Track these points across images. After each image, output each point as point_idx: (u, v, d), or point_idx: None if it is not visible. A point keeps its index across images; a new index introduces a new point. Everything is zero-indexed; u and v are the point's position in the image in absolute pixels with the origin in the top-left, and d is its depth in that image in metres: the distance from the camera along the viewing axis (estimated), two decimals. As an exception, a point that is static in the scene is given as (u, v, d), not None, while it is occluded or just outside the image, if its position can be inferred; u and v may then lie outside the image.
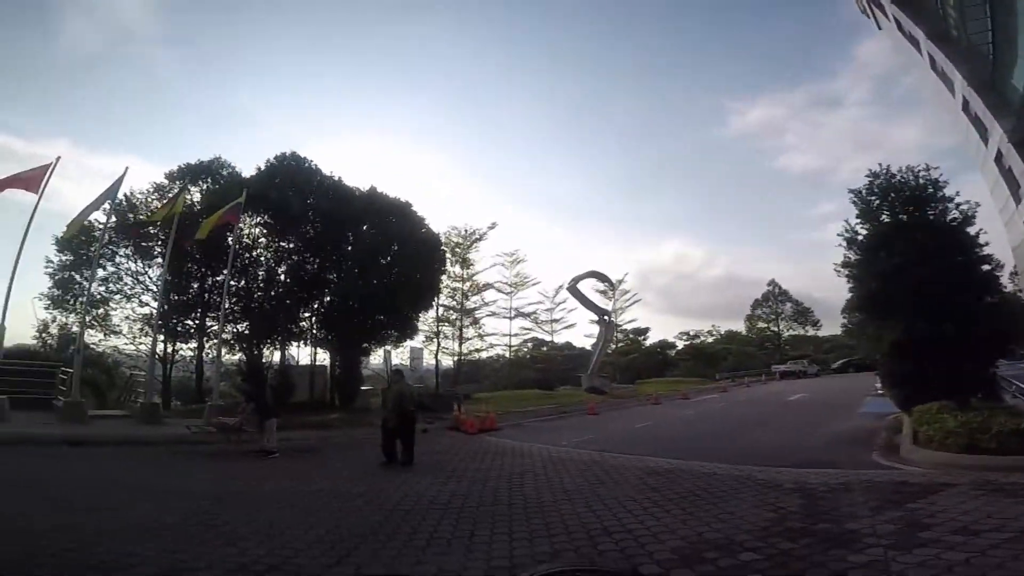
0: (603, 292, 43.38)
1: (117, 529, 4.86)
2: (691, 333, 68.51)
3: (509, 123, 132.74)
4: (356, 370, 20.17)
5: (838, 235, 12.05)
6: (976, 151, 31.59)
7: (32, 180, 12.35)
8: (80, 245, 18.18)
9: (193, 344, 21.27)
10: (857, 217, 11.61)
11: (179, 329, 19.70)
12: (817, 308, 66.36)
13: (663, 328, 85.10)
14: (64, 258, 18.47)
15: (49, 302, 18.68)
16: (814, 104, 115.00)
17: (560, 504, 6.09)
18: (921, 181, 10.88)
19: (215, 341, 20.92)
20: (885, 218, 11.21)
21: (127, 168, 14.48)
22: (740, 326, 69.82)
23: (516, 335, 39.76)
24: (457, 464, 9.46)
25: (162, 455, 9.68)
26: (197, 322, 20.61)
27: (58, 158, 13.01)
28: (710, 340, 67.45)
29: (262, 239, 20.31)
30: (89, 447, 9.93)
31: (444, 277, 24.46)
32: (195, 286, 19.84)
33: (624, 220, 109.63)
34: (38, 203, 12.49)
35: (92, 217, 19.30)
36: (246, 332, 19.51)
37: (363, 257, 18.38)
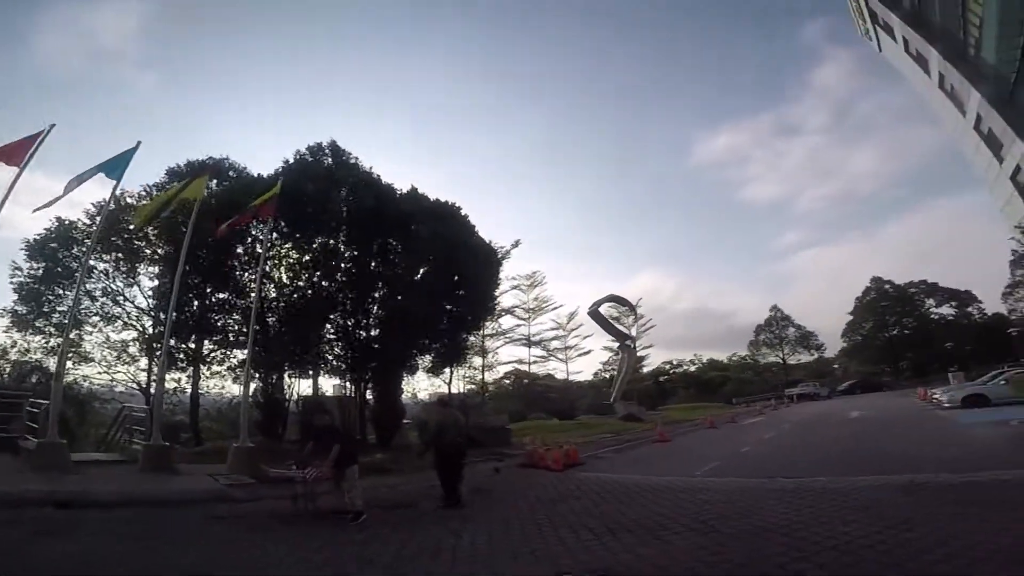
0: (616, 319, 41.47)
1: None
2: (674, 362, 69.95)
3: (482, 154, 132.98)
4: (396, 401, 16.94)
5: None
6: (987, 167, 31.61)
7: (14, 151, 9.29)
8: (56, 251, 14.90)
9: (177, 374, 17.86)
10: None
11: (175, 355, 16.31)
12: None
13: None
14: (35, 266, 15.08)
15: (11, 322, 15.13)
16: (776, 132, 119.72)
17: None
18: None
19: (220, 369, 17.74)
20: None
21: (139, 142, 11.29)
22: (719, 355, 71.86)
23: (534, 362, 37.27)
24: (619, 514, 6.78)
25: (209, 525, 6.48)
26: (193, 346, 17.34)
27: (52, 126, 9.93)
28: (692, 369, 69.13)
29: (281, 249, 17.26)
30: (93, 511, 6.77)
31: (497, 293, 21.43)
32: (195, 304, 16.61)
33: (598, 253, 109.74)
34: (18, 177, 9.32)
35: (73, 216, 16.37)
36: (261, 356, 16.29)
37: (411, 268, 15.56)
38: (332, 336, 17.47)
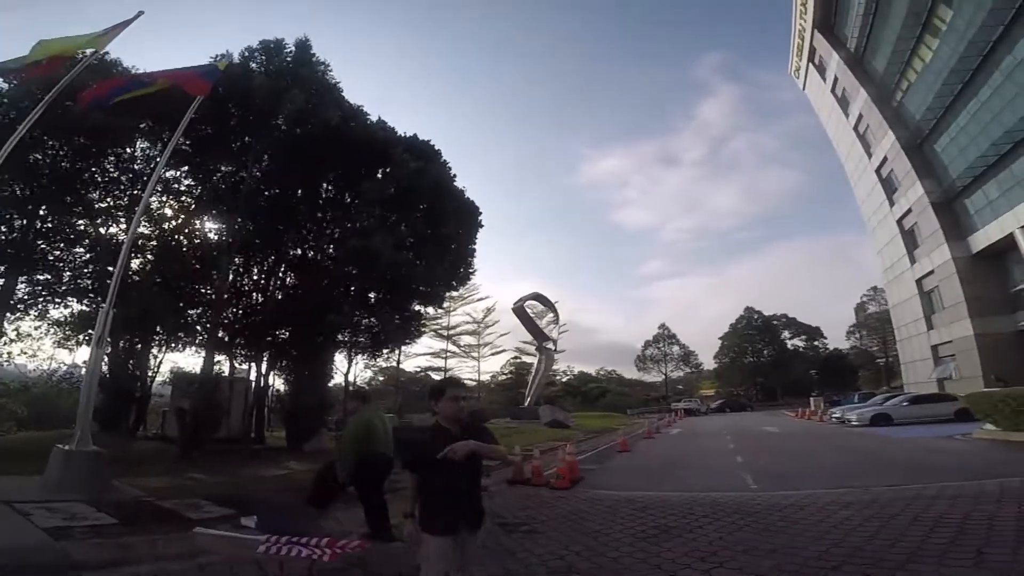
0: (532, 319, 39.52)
1: None
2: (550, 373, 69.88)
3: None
4: (322, 390, 12.51)
5: None
6: (876, 211, 35.24)
7: None
8: None
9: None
10: None
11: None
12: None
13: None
14: None
15: None
16: (656, 160, 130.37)
17: None
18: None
19: (37, 325, 11.94)
20: None
21: None
22: (586, 368, 74.93)
23: (449, 355, 33.77)
24: (798, 551, 4.16)
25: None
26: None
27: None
28: (564, 379, 69.94)
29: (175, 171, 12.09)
30: None
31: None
32: (17, 224, 10.86)
33: (483, 259, 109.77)
34: None
35: None
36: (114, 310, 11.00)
37: (373, 207, 11.57)
38: (237, 290, 12.73)
